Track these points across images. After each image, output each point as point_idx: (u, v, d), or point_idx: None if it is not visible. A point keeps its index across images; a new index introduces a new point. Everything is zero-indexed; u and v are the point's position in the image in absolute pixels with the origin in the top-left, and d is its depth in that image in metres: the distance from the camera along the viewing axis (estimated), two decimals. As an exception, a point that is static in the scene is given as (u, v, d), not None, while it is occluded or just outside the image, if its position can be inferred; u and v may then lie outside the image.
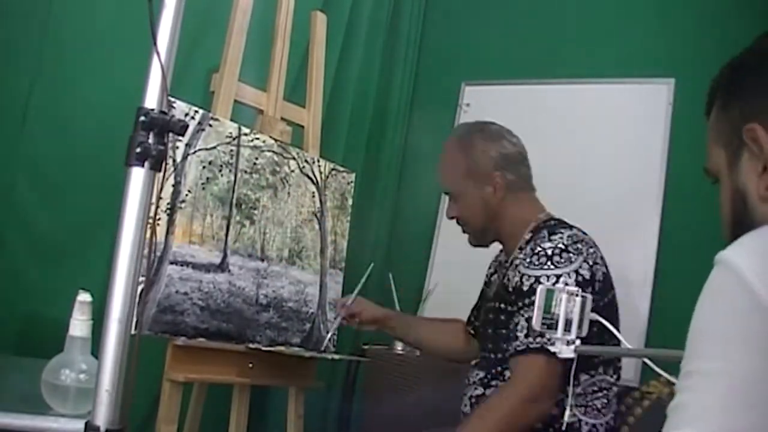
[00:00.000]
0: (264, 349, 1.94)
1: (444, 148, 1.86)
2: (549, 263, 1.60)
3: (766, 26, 2.92)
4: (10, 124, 1.94)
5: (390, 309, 2.19)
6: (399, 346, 2.69)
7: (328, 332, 2.13)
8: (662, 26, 2.79)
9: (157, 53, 1.03)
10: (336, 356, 2.21)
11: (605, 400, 1.67)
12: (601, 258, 1.67)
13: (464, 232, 1.86)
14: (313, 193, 2.17)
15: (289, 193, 2.10)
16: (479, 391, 1.73)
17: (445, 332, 2.08)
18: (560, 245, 1.62)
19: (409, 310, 2.88)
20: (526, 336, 1.56)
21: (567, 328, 1.14)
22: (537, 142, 2.94)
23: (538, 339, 1.53)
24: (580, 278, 1.58)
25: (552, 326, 1.14)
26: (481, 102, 3.10)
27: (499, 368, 1.70)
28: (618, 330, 1.31)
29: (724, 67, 0.91)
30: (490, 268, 1.98)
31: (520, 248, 1.72)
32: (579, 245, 1.63)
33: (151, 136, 1.03)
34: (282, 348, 2.03)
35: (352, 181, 2.32)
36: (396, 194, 3.20)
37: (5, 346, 1.91)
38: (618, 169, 2.73)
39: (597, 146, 2.78)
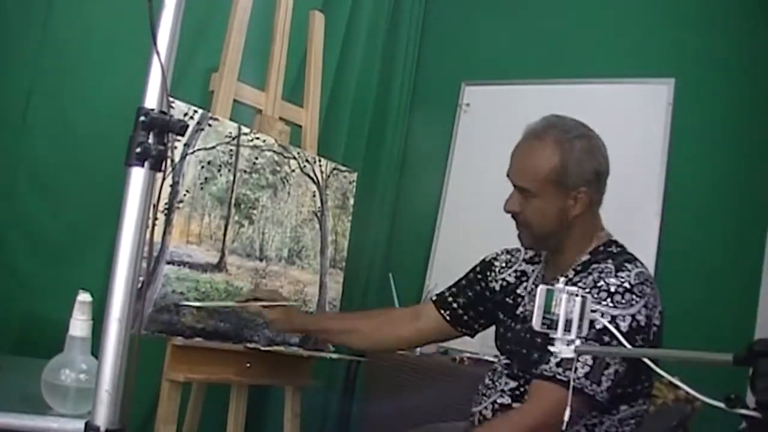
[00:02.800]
0: (262, 348, 1.94)
1: (534, 139, 1.65)
2: (609, 300, 1.50)
3: (767, 27, 2.93)
4: (10, 124, 1.94)
5: (304, 317, 2.07)
6: (398, 346, 2.69)
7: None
8: (662, 26, 2.79)
9: (157, 53, 1.03)
10: (335, 356, 2.21)
11: (635, 426, 1.62)
12: (658, 297, 1.59)
13: (518, 228, 1.70)
14: (314, 192, 2.17)
15: (289, 192, 2.10)
16: (506, 400, 1.66)
17: (380, 327, 1.95)
18: (626, 284, 1.52)
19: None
20: (558, 365, 1.49)
21: (567, 328, 1.14)
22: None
23: (567, 373, 1.45)
24: (635, 324, 1.49)
25: (552, 326, 1.14)
26: (481, 102, 3.11)
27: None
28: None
29: None
30: (496, 270, 1.83)
31: (577, 271, 1.62)
32: (643, 287, 1.53)
33: (151, 136, 1.03)
34: (280, 348, 2.03)
35: (353, 181, 2.32)
36: (396, 194, 3.20)
37: (5, 346, 1.92)
38: (618, 169, 2.70)
39: (597, 146, 2.78)
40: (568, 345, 1.14)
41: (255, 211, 2.01)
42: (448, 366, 2.53)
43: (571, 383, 1.32)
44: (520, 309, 1.75)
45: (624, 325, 1.48)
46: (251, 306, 1.93)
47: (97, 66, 2.06)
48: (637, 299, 1.50)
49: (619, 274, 1.54)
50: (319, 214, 2.19)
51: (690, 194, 2.62)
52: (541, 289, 1.16)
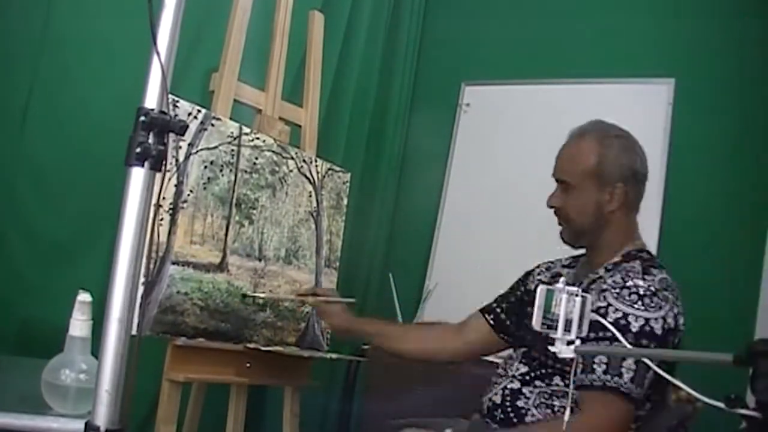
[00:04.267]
0: (263, 348, 1.95)
1: (577, 137, 1.78)
2: (640, 303, 1.55)
3: (766, 27, 2.93)
4: (10, 125, 1.94)
5: (360, 318, 2.09)
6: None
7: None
8: (662, 26, 2.79)
9: (157, 53, 1.04)
10: (335, 356, 2.22)
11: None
12: (682, 303, 1.63)
13: (560, 224, 1.78)
14: (310, 192, 2.17)
15: (287, 192, 2.10)
16: (516, 385, 1.68)
17: (430, 338, 2.03)
18: (653, 287, 1.57)
19: (409, 310, 2.88)
20: (605, 372, 1.50)
21: (567, 328, 1.14)
22: (537, 142, 2.96)
23: (616, 379, 1.48)
24: (666, 326, 1.54)
25: (552, 326, 1.14)
26: (481, 102, 3.11)
27: (545, 372, 1.65)
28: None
29: None
30: (532, 275, 1.91)
31: (607, 269, 1.67)
32: (667, 292, 1.59)
33: (151, 136, 1.03)
34: (280, 348, 2.03)
35: (347, 181, 2.32)
36: (396, 194, 3.20)
37: (5, 346, 1.92)
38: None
39: (597, 146, 2.78)
40: (568, 345, 1.14)
41: (255, 211, 2.01)
42: (448, 366, 2.53)
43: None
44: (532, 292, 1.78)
45: (657, 327, 1.52)
46: (310, 299, 2.03)
47: (97, 66, 2.06)
48: (664, 303, 1.55)
49: (646, 276, 1.59)
50: (315, 214, 2.19)
51: (690, 194, 2.62)
52: (541, 289, 1.16)
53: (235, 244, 1.95)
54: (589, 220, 1.72)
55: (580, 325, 1.13)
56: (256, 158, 2.01)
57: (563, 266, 1.89)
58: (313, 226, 2.19)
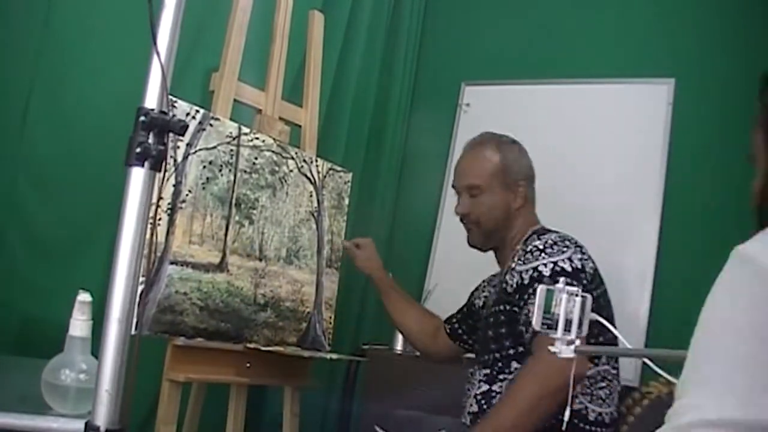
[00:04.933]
0: (263, 348, 1.95)
1: (476, 146, 1.94)
2: (542, 254, 1.71)
3: (766, 27, 2.93)
4: (10, 124, 1.94)
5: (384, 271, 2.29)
6: (399, 346, 2.69)
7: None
8: (662, 26, 2.79)
9: (157, 53, 1.04)
10: (334, 356, 2.22)
11: (608, 391, 1.75)
12: (590, 256, 1.76)
13: (468, 230, 1.92)
14: (311, 192, 2.17)
15: (287, 192, 2.10)
16: (485, 387, 1.78)
17: (422, 321, 2.21)
18: (550, 240, 1.74)
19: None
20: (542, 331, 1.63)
21: (567, 327, 1.14)
22: (536, 142, 2.95)
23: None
24: (573, 265, 1.68)
25: (552, 326, 1.14)
26: (481, 102, 3.11)
27: (502, 365, 1.77)
28: (613, 324, 1.35)
29: None
30: (478, 289, 2.10)
31: (513, 257, 1.82)
32: (568, 242, 1.75)
33: (151, 136, 1.03)
34: (280, 348, 2.03)
35: (348, 181, 2.32)
36: (396, 194, 3.20)
37: (5, 346, 1.91)
38: (618, 169, 2.74)
39: (597, 146, 2.79)
40: (568, 345, 1.15)
41: (255, 211, 2.01)
42: (448, 366, 2.53)
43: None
44: (482, 302, 2.00)
45: (567, 266, 1.68)
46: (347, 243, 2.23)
47: (97, 66, 2.06)
48: (566, 248, 1.72)
49: (542, 236, 1.78)
50: (315, 214, 2.19)
51: (690, 194, 2.62)
52: (541, 289, 1.17)
53: (235, 244, 1.95)
54: (499, 219, 1.86)
55: (580, 325, 1.14)
56: (256, 158, 2.01)
57: (488, 279, 2.07)
58: (314, 226, 2.19)
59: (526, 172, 1.91)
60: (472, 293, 2.13)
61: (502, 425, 1.59)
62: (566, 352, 1.13)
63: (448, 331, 2.16)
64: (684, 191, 2.62)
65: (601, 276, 1.79)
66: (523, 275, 1.71)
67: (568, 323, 1.13)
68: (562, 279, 1.58)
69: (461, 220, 1.93)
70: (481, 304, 2.05)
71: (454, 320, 2.16)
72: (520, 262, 1.75)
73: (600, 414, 1.72)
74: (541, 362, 1.58)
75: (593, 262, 1.77)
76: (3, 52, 1.92)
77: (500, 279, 1.87)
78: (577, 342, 1.42)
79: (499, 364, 1.77)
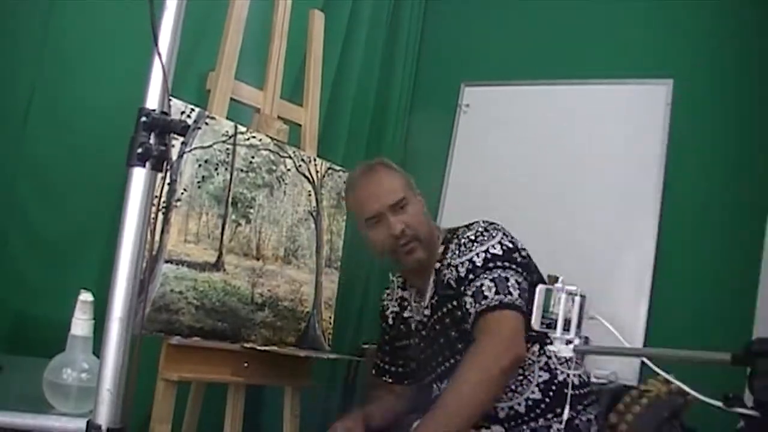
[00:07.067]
0: (260, 348, 1.94)
1: (374, 170, 1.90)
2: (474, 244, 1.76)
3: (764, 28, 2.94)
4: (12, 125, 1.94)
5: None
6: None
7: None
8: (661, 27, 2.80)
9: (158, 54, 1.04)
10: (333, 356, 2.22)
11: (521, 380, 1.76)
12: (516, 239, 1.82)
13: (409, 251, 1.82)
14: (309, 192, 2.17)
15: (285, 192, 2.10)
16: (444, 384, 1.79)
17: (389, 410, 1.99)
18: (479, 229, 1.79)
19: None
20: (496, 293, 1.66)
21: (566, 327, 1.14)
22: (536, 142, 2.97)
23: (508, 297, 1.65)
24: (505, 247, 1.75)
25: (551, 326, 1.14)
26: (481, 102, 3.11)
27: (452, 357, 1.78)
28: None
29: None
30: (387, 309, 2.02)
31: (439, 260, 1.83)
32: (495, 226, 1.81)
33: (152, 136, 1.03)
34: (277, 348, 2.03)
35: (348, 181, 2.32)
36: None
37: (6, 345, 1.92)
38: (616, 169, 2.74)
39: (596, 146, 2.79)
40: (567, 344, 1.15)
41: (252, 210, 2.01)
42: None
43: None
44: (413, 324, 1.93)
45: (497, 250, 1.73)
46: None
47: (98, 67, 2.06)
48: (495, 232, 1.78)
49: (470, 227, 1.82)
50: (314, 214, 2.19)
51: (688, 194, 2.63)
52: (540, 288, 1.17)
53: (231, 243, 1.95)
54: (425, 227, 1.86)
55: (579, 325, 1.14)
56: (253, 157, 2.01)
57: (399, 288, 2.02)
58: (313, 225, 2.19)
59: (414, 184, 1.94)
60: (381, 316, 2.05)
61: (446, 413, 1.57)
62: (565, 351, 1.14)
63: (390, 380, 2.03)
64: (682, 191, 2.62)
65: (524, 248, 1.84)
66: (459, 268, 1.75)
67: (566, 323, 1.14)
68: (492, 264, 1.70)
69: (400, 241, 1.81)
70: (413, 322, 1.94)
71: (384, 363, 2.04)
72: (454, 256, 1.78)
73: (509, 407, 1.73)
74: (481, 350, 1.62)
75: (518, 241, 1.82)
76: (5, 53, 1.93)
77: (433, 286, 1.84)
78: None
79: (451, 361, 1.78)
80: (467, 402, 1.58)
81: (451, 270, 1.78)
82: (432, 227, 1.90)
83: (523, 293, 1.68)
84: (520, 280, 1.70)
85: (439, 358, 1.84)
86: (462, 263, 1.75)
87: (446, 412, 1.57)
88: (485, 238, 1.76)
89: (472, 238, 1.78)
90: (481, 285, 1.68)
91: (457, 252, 1.78)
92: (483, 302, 1.66)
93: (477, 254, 1.73)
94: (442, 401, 1.61)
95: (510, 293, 1.66)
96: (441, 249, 1.85)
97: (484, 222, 1.82)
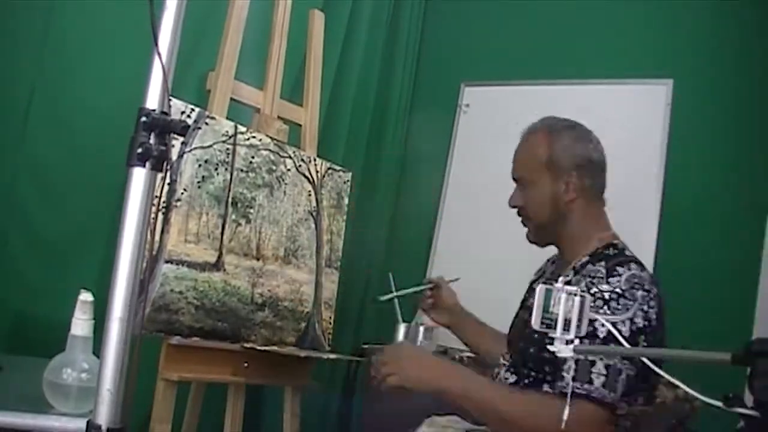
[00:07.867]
0: (260, 348, 1.94)
1: (527, 134, 1.77)
2: (606, 308, 1.51)
3: (764, 28, 2.94)
4: (12, 125, 1.95)
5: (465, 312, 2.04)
6: (398, 346, 2.69)
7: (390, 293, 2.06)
8: (661, 27, 2.80)
9: (159, 54, 1.04)
10: (333, 356, 2.22)
11: (630, 425, 1.60)
12: (656, 296, 1.58)
13: (524, 224, 1.77)
14: (309, 192, 2.17)
15: (285, 192, 2.10)
16: None
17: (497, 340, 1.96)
18: (618, 289, 1.53)
19: (409, 310, 2.88)
20: (574, 380, 1.46)
21: (566, 327, 1.14)
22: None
23: (586, 386, 1.46)
24: (634, 327, 1.50)
25: (551, 326, 1.14)
26: (481, 103, 3.11)
27: (532, 381, 1.64)
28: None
29: None
30: (536, 276, 1.91)
31: (576, 271, 1.63)
32: (635, 290, 1.54)
33: (152, 136, 1.03)
34: (277, 348, 2.03)
35: (348, 180, 2.32)
36: (396, 194, 3.20)
37: (6, 345, 1.92)
38: (616, 170, 2.71)
39: (596, 146, 2.79)
40: (566, 344, 1.15)
41: (252, 210, 2.01)
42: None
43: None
44: (529, 301, 1.78)
45: (625, 330, 1.48)
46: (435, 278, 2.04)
47: (98, 67, 2.06)
48: (631, 302, 1.51)
49: (610, 279, 1.54)
50: (314, 214, 2.19)
51: (688, 194, 2.63)
52: (540, 288, 1.17)
53: (231, 243, 1.95)
54: (548, 214, 1.69)
55: (579, 325, 1.14)
56: (253, 157, 2.01)
57: (549, 261, 1.88)
58: (313, 225, 2.19)
59: (578, 161, 1.69)
60: (527, 291, 1.89)
61: (483, 389, 1.54)
62: (565, 351, 1.14)
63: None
64: (682, 191, 2.62)
65: (663, 317, 1.60)
66: (599, 309, 1.50)
67: (566, 322, 1.13)
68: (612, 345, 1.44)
69: (518, 213, 1.76)
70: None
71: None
72: (595, 284, 1.54)
73: None
74: (550, 412, 1.40)
75: (658, 305, 1.57)
76: (6, 53, 1.93)
77: (575, 271, 1.66)
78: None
79: (530, 380, 1.64)
80: (497, 407, 1.51)
81: (594, 297, 1.52)
82: (563, 218, 1.68)
83: (625, 388, 1.48)
84: (631, 374, 1.48)
85: (522, 357, 1.68)
86: (600, 308, 1.50)
87: (484, 390, 1.54)
88: (619, 307, 1.50)
89: (606, 298, 1.51)
90: (594, 362, 1.47)
91: (597, 287, 1.53)
92: (584, 386, 1.46)
93: (602, 324, 1.45)
94: (496, 386, 1.60)
95: (615, 391, 1.45)
96: (584, 260, 1.64)
97: (627, 280, 1.54)
